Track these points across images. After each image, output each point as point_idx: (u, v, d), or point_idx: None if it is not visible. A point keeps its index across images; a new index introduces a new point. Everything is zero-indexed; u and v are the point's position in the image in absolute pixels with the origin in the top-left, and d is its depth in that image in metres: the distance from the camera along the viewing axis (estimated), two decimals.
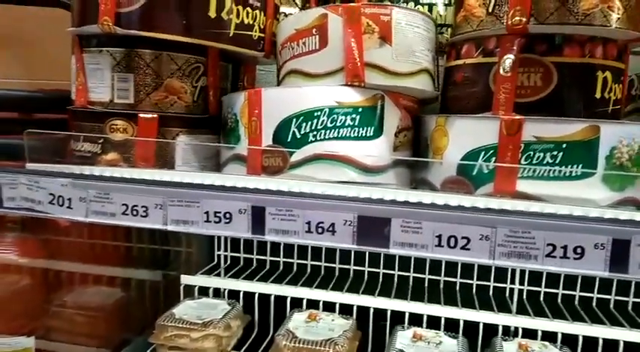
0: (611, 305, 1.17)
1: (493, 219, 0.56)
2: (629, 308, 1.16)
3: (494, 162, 0.65)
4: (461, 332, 1.09)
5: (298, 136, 0.71)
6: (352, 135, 0.71)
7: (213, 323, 1.06)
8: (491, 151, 0.66)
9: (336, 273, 1.30)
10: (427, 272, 1.26)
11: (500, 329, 1.08)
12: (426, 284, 1.26)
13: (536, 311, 1.13)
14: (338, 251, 1.30)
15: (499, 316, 1.11)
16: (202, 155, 0.82)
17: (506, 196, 0.64)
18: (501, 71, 0.68)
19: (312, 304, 1.17)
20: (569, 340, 1.06)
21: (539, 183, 0.63)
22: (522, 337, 1.09)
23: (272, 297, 1.19)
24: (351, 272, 1.30)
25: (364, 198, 0.60)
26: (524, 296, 1.20)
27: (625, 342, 1.03)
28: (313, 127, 0.71)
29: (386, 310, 1.13)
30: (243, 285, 1.22)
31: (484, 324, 1.11)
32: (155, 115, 0.78)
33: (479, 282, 1.23)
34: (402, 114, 0.75)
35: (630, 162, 0.63)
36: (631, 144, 0.63)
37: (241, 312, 1.17)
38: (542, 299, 1.19)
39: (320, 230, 0.60)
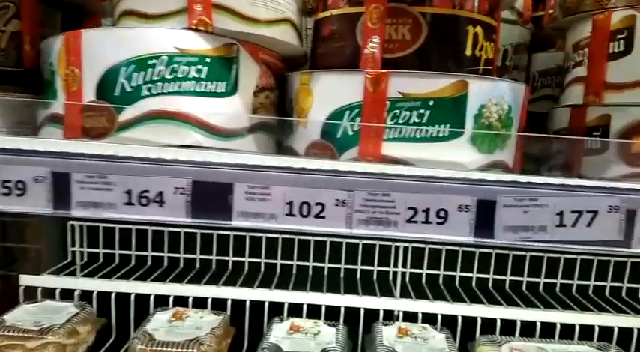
0: (490, 285, 1.17)
1: (350, 181, 0.47)
2: (507, 286, 1.17)
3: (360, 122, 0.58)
4: (342, 319, 1.02)
5: (128, 89, 0.57)
6: (198, 91, 0.59)
7: (53, 329, 0.88)
8: (357, 110, 0.58)
9: (213, 266, 1.18)
10: (311, 260, 1.18)
11: (382, 313, 1.03)
12: (310, 273, 1.18)
13: (419, 294, 1.11)
14: (215, 240, 1.18)
15: (381, 300, 1.06)
16: (13, 118, 0.65)
17: (372, 160, 0.57)
18: (369, 23, 0.61)
19: (181, 301, 1.03)
20: (450, 321, 1.04)
21: (406, 146, 0.57)
22: (405, 320, 1.06)
23: (132, 296, 1.03)
24: (230, 263, 1.18)
25: (200, 161, 0.48)
26: (407, 279, 1.17)
27: (502, 320, 1.03)
28: (148, 79, 0.57)
29: (263, 302, 1.03)
30: (96, 284, 1.04)
31: (368, 310, 1.05)
32: None
33: (363, 267, 1.18)
34: (261, 70, 0.64)
35: (500, 122, 0.59)
36: (500, 103, 0.59)
37: (93, 315, 0.99)
38: (424, 281, 1.17)
39: (144, 201, 0.48)
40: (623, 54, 0.62)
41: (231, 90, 0.61)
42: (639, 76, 0.61)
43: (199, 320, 0.95)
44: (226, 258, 1.17)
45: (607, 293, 1.17)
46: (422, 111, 0.57)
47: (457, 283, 1.18)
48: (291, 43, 0.66)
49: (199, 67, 0.59)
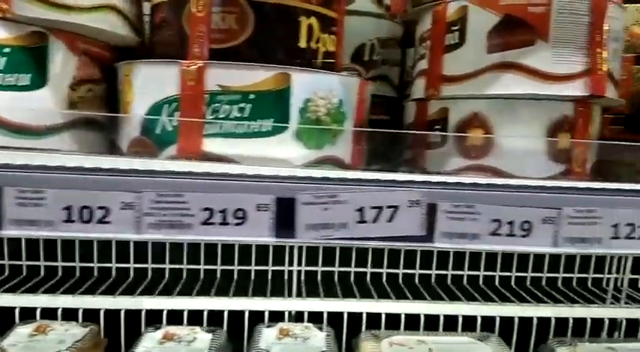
0: (384, 279, 1.17)
1: (138, 182, 0.43)
2: (400, 280, 1.18)
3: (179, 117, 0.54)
4: (225, 323, 0.99)
5: None
6: None
7: None
8: (175, 104, 0.54)
9: (113, 274, 1.11)
10: (202, 263, 1.14)
11: (267, 314, 1.00)
12: (202, 275, 1.13)
13: (312, 293, 1.09)
14: (114, 247, 1.11)
15: (269, 301, 1.03)
16: None
17: (193, 158, 0.53)
18: (195, 10, 0.57)
19: (49, 313, 0.96)
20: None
21: (228, 142, 0.53)
22: (297, 320, 1.04)
23: None
24: (132, 271, 1.12)
25: None
26: (303, 277, 1.15)
27: (387, 314, 1.03)
28: None
29: (140, 310, 0.98)
30: None
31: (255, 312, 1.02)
32: None
33: (257, 268, 1.14)
34: (80, 61, 0.59)
35: (329, 116, 0.57)
36: (329, 97, 0.56)
37: None
38: (319, 279, 1.15)
39: None
40: (457, 46, 0.62)
41: (38, 83, 0.55)
42: (472, 67, 0.61)
43: (64, 333, 0.88)
44: (126, 265, 1.11)
45: (497, 282, 1.20)
46: (243, 105, 0.53)
47: (352, 279, 1.17)
48: (115, 32, 0.61)
49: None
